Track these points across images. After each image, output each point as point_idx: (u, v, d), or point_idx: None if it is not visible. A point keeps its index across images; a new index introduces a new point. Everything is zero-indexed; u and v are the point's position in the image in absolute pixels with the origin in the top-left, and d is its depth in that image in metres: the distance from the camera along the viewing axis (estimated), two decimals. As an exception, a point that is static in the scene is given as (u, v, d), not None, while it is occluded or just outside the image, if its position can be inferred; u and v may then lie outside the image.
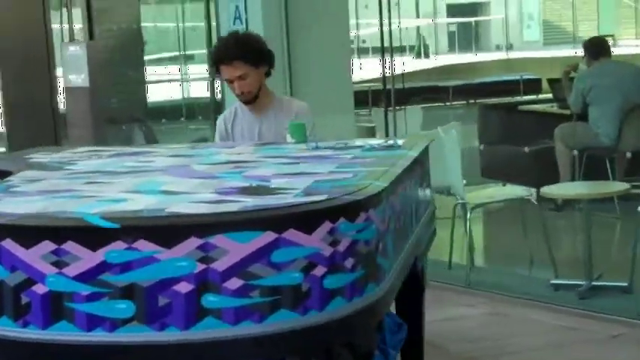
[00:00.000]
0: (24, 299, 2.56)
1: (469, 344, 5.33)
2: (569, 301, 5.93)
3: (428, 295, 6.34)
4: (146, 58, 10.81)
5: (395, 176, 3.16)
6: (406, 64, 24.00)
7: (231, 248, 2.52)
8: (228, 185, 3.03)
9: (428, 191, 4.16)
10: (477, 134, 10.07)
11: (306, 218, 2.62)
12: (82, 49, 8.51)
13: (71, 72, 8.68)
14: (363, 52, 29.04)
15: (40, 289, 2.54)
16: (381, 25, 7.54)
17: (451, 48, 31.64)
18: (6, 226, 2.60)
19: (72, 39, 10.05)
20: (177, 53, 11.36)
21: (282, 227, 2.57)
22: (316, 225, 2.62)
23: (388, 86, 8.81)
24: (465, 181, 7.22)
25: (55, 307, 2.54)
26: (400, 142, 3.95)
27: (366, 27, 27.36)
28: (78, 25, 9.61)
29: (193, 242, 2.50)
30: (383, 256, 2.92)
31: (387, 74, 8.29)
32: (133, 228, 2.52)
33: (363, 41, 30.02)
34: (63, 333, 2.54)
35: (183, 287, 2.51)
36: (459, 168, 6.73)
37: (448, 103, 19.97)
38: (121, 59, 9.47)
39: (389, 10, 7.59)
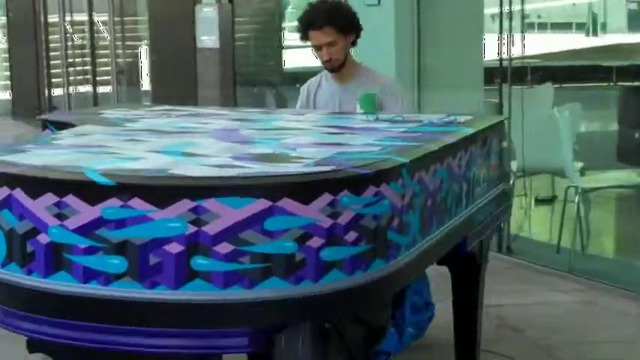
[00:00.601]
0: (29, 247, 2.66)
1: (550, 331, 5.20)
2: (672, 295, 5.72)
3: (526, 278, 6.26)
4: (289, 24, 10.89)
5: (424, 153, 3.11)
6: (575, 41, 23.40)
7: (223, 213, 2.54)
8: (251, 151, 3.05)
9: (496, 170, 4.07)
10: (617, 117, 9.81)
11: (302, 188, 2.62)
12: (214, 11, 8.64)
13: (203, 33, 8.84)
14: (540, 27, 28.48)
15: (43, 238, 2.63)
16: (501, 3, 7.34)
17: (628, 26, 30.62)
18: (17, 176, 2.70)
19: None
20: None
21: (277, 195, 2.57)
22: (314, 196, 2.61)
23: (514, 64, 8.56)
24: (580, 165, 7.05)
25: (55, 258, 2.62)
26: (462, 119, 3.87)
27: (539, 2, 26.80)
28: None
29: (185, 204, 2.53)
30: (399, 232, 2.89)
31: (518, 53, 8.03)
32: (128, 186, 2.57)
33: (539, 16, 29.41)
34: (62, 283, 2.62)
35: (174, 248, 2.54)
36: (571, 150, 6.56)
37: (612, 84, 19.36)
38: (258, 23, 9.58)
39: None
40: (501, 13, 7.37)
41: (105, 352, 2.65)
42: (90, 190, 2.58)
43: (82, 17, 13.18)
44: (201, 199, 2.54)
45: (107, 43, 12.21)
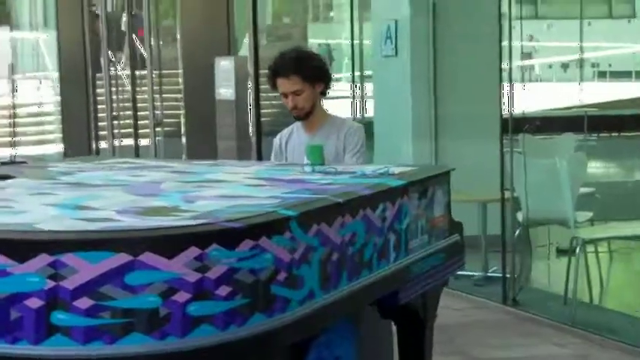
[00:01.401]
0: None
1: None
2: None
3: (526, 331, 6.13)
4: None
5: (324, 205, 3.06)
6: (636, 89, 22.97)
7: (82, 267, 2.52)
8: (146, 204, 3.04)
9: (442, 222, 3.99)
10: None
11: (165, 242, 2.59)
12: (231, 63, 8.70)
13: (221, 85, 8.91)
14: (603, 75, 28.15)
15: None
16: (500, 49, 7.26)
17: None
18: None
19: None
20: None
21: (138, 250, 2.55)
22: (179, 249, 2.58)
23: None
24: (588, 215, 6.90)
25: None
26: (397, 170, 3.81)
27: (600, 50, 26.54)
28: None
29: (44, 259, 2.52)
30: (288, 286, 2.83)
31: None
32: (-14, 241, 2.57)
33: (609, 65, 29.10)
34: None
35: (33, 303, 2.53)
36: (571, 200, 6.44)
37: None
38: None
39: (509, 33, 7.28)
40: (501, 65, 7.28)
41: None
42: (-47, 246, 2.58)
43: (127, 71, 13.40)
44: (59, 253, 2.52)
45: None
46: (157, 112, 12.24)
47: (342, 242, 3.15)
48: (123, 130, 13.62)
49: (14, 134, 16.95)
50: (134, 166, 4.27)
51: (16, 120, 17.77)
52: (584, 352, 5.66)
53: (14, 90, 17.88)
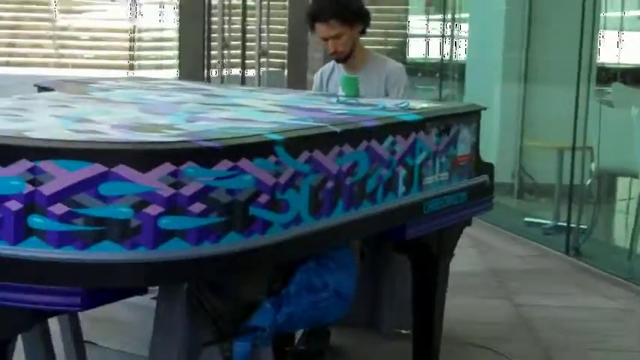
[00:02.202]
0: None
1: (568, 334, 5.06)
2: None
3: (580, 281, 6.08)
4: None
5: (317, 133, 3.12)
6: None
7: (58, 174, 2.63)
8: (147, 122, 3.16)
9: (466, 161, 3.99)
10: None
11: (140, 156, 2.69)
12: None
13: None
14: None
15: None
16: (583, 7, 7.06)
17: None
18: None
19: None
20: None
21: (113, 162, 2.65)
22: (153, 164, 2.67)
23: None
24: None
25: None
26: (417, 105, 3.82)
27: None
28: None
29: (24, 164, 2.64)
30: (269, 209, 2.90)
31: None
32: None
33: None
34: None
35: (13, 205, 2.66)
36: (640, 150, 6.32)
37: None
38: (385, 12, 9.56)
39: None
40: (583, 16, 7.11)
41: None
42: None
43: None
44: (38, 160, 2.64)
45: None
46: (263, 42, 12.34)
47: (340, 171, 3.20)
48: (232, 60, 13.77)
49: (133, 57, 17.35)
50: (175, 87, 4.38)
51: (138, 44, 18.18)
52: (631, 307, 5.58)
53: (137, 14, 18.27)
